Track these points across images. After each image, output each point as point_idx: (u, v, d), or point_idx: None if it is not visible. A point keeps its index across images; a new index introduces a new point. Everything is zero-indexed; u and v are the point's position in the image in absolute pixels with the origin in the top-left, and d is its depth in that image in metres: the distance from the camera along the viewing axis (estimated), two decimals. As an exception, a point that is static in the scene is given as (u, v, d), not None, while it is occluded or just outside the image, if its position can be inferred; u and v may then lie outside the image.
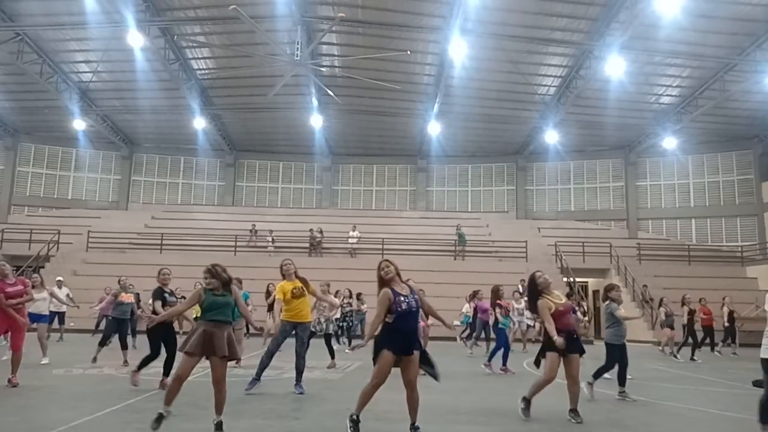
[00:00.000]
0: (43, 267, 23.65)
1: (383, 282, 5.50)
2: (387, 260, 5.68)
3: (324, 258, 25.27)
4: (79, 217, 29.04)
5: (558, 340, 6.23)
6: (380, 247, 25.37)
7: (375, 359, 5.34)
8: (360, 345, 5.35)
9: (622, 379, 8.11)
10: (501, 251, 25.70)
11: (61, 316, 16.08)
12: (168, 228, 26.77)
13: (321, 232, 26.27)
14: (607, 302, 8.53)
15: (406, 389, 5.40)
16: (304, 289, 7.92)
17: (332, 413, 5.62)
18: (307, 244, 26.20)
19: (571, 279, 23.79)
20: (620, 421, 6.66)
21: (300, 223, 27.95)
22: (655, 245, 27.41)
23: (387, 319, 5.34)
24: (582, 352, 6.62)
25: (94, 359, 10.42)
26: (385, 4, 18.89)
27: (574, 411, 6.44)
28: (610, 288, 8.72)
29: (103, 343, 10.67)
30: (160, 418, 5.13)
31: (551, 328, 6.31)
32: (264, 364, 7.81)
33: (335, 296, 14.75)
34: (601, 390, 8.26)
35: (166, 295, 8.12)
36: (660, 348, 16.42)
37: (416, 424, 5.41)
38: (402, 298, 5.38)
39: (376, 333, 5.39)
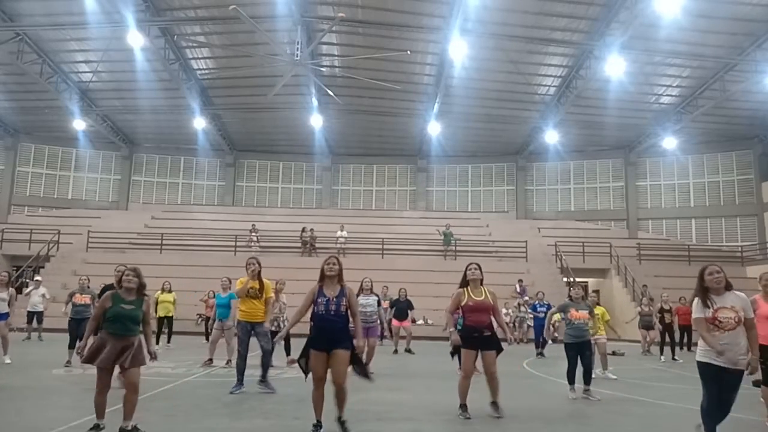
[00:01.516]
0: (43, 267, 23.67)
1: (323, 276, 5.57)
2: (335, 257, 5.71)
3: (320, 257, 25.19)
4: (79, 217, 29.02)
5: (454, 337, 6.70)
6: (380, 247, 25.38)
7: (301, 360, 5.43)
8: (280, 336, 5.52)
9: (586, 378, 8.05)
10: (501, 251, 25.70)
11: (38, 316, 16.04)
12: (168, 228, 26.76)
13: (305, 230, 26.18)
14: (566, 300, 8.56)
15: (333, 385, 5.42)
16: (260, 291, 7.99)
17: (331, 413, 5.63)
18: (306, 245, 26.15)
19: (571, 279, 23.79)
20: (619, 421, 6.66)
21: (300, 223, 27.93)
22: (655, 245, 27.40)
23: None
24: (499, 350, 6.63)
25: (68, 362, 10.15)
26: (385, 4, 18.88)
27: (494, 404, 6.53)
28: (570, 286, 8.79)
29: (72, 345, 10.44)
30: (96, 428, 5.10)
31: (448, 317, 6.81)
32: (241, 368, 7.82)
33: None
34: (601, 390, 8.26)
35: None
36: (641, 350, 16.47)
37: (342, 417, 5.46)
38: (321, 300, 5.45)
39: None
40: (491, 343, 6.59)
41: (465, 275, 6.77)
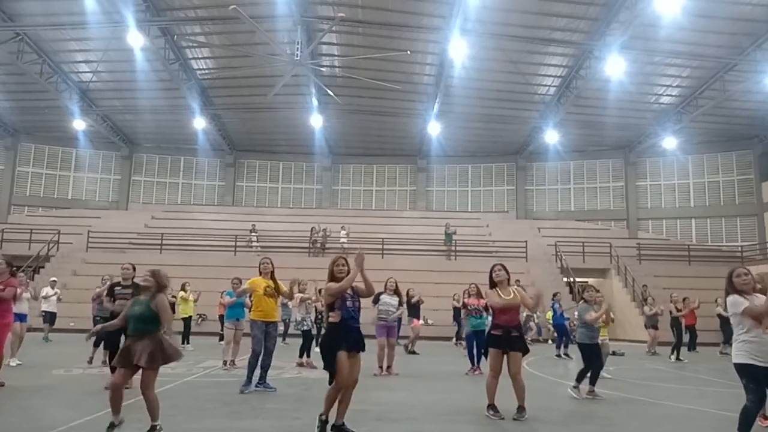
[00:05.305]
0: (43, 267, 23.68)
1: (333, 278, 5.50)
2: (344, 258, 5.66)
3: (320, 258, 25.22)
4: (79, 217, 29.03)
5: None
6: (380, 247, 25.38)
7: (327, 362, 5.33)
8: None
9: (593, 378, 8.09)
10: (501, 251, 25.67)
11: (53, 316, 16.13)
12: (168, 228, 26.77)
13: (316, 231, 26.16)
14: (581, 302, 8.58)
15: (349, 388, 5.34)
16: (276, 289, 8.00)
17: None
18: (306, 244, 26.16)
19: (571, 279, 23.81)
20: (619, 421, 6.66)
21: (300, 223, 27.93)
22: (655, 245, 27.41)
23: (332, 319, 5.35)
24: (525, 351, 6.58)
25: (90, 360, 10.34)
26: (385, 4, 18.89)
27: (520, 408, 6.41)
28: (584, 289, 8.81)
29: (97, 344, 10.43)
30: (111, 427, 5.08)
31: (498, 303, 6.62)
32: (253, 366, 7.78)
33: (319, 295, 14.56)
34: (602, 390, 8.25)
35: (118, 288, 8.08)
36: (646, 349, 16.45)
37: (344, 423, 5.33)
38: (347, 295, 5.41)
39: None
40: (518, 344, 6.57)
41: (491, 277, 6.79)
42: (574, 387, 8.03)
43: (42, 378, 8.76)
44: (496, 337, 6.59)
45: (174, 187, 32.74)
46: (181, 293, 15.46)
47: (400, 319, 15.75)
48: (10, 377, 8.23)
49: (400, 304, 10.92)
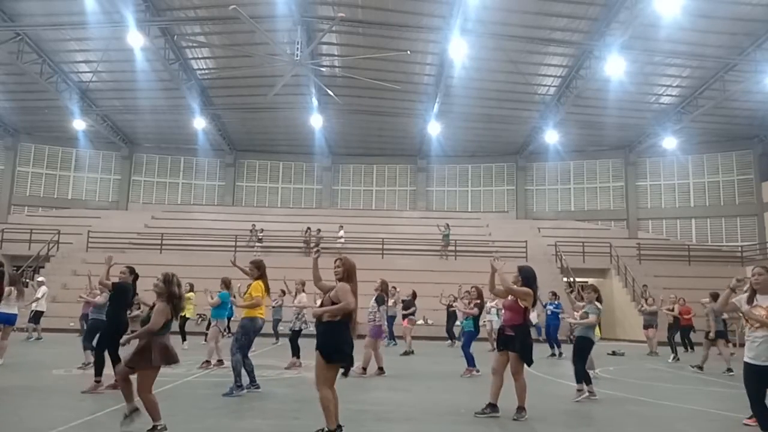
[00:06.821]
0: (43, 267, 23.68)
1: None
2: (339, 259, 5.55)
3: (324, 258, 25.15)
4: (79, 217, 29.02)
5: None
6: (380, 247, 25.37)
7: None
8: None
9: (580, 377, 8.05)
10: (501, 251, 25.62)
11: (40, 315, 16.24)
12: (168, 228, 26.76)
13: (308, 231, 26.15)
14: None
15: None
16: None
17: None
18: (303, 244, 26.15)
19: (571, 279, 23.79)
20: (619, 421, 6.66)
21: (300, 223, 27.94)
22: (655, 245, 27.40)
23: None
24: (518, 353, 6.47)
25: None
26: (385, 4, 18.88)
27: (520, 409, 6.42)
28: (583, 288, 8.91)
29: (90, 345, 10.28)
30: (124, 418, 5.13)
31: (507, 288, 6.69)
32: (249, 367, 7.70)
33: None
34: (602, 390, 8.26)
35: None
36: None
37: (325, 429, 5.01)
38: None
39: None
40: (510, 344, 6.53)
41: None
42: (582, 390, 7.88)
43: (42, 378, 8.75)
44: (498, 336, 6.83)
45: (174, 187, 32.73)
46: (190, 294, 15.41)
47: (393, 318, 15.99)
48: (10, 377, 8.23)
49: (379, 304, 10.62)
